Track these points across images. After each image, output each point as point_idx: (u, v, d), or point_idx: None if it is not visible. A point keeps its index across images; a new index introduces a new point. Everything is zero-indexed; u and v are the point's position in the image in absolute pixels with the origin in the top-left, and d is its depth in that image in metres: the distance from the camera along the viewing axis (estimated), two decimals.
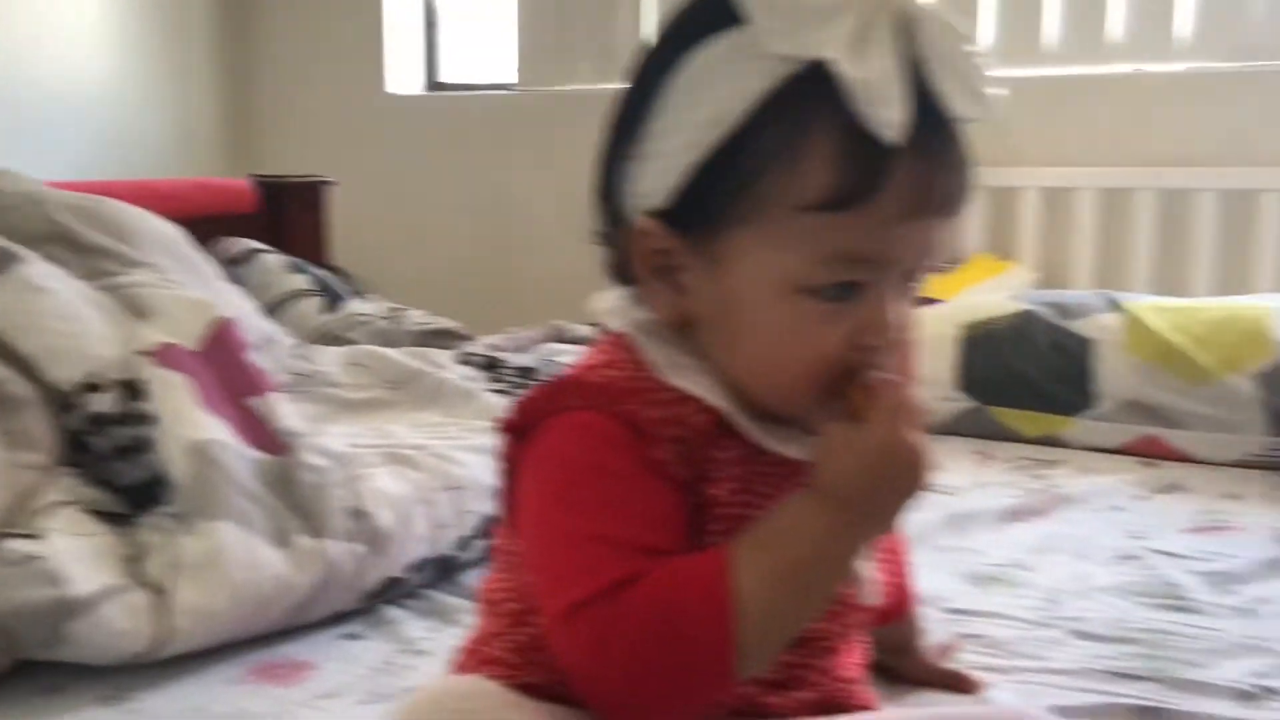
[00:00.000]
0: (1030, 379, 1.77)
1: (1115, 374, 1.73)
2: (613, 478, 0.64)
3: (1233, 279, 2.39)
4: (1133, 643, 1.08)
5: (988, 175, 2.54)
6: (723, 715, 0.68)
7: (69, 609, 0.97)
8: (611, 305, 0.73)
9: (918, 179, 0.63)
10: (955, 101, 0.64)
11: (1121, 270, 2.51)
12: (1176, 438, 1.69)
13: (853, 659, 0.75)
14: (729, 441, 0.68)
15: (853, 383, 0.66)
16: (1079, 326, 1.79)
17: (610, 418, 0.65)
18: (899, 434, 0.63)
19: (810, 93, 0.63)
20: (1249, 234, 2.38)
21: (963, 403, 1.82)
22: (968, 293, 2.29)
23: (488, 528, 1.20)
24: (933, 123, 0.64)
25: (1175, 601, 1.18)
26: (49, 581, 0.98)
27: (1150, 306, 1.80)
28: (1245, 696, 0.97)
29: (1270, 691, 0.98)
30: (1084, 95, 2.56)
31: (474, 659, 0.72)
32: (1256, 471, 1.63)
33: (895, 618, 0.99)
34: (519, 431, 0.69)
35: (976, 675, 1.00)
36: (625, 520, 0.63)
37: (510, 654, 0.69)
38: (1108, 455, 1.73)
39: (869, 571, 0.71)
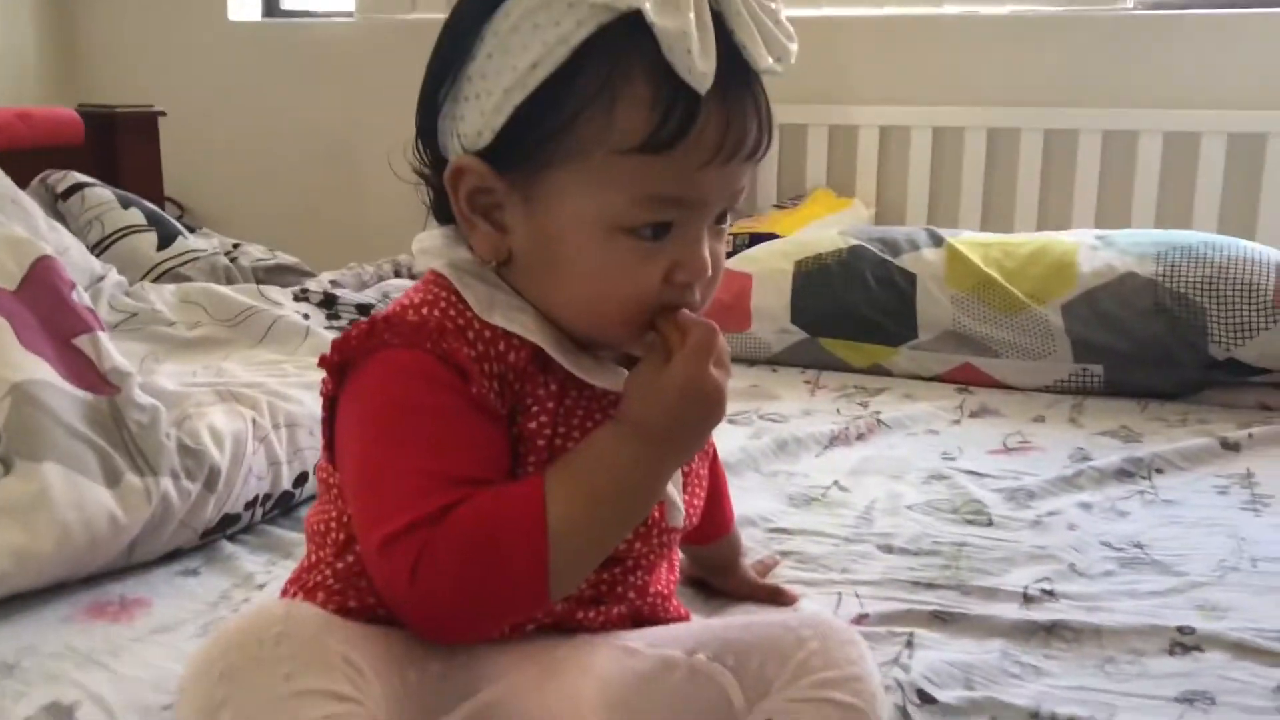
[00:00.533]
0: (858, 311, 1.86)
1: (936, 306, 1.83)
2: (431, 413, 0.67)
3: (1055, 213, 2.53)
4: (934, 554, 1.17)
5: (828, 113, 2.65)
6: (539, 630, 0.73)
7: None
8: (430, 245, 0.75)
9: (724, 125, 0.68)
10: (756, 55, 0.68)
11: (953, 206, 2.63)
12: (991, 365, 1.80)
13: (663, 576, 0.81)
14: (546, 376, 0.72)
15: (665, 319, 0.71)
16: (903, 261, 1.88)
17: (428, 355, 0.68)
18: (702, 372, 0.68)
19: (626, 41, 0.66)
20: (1070, 171, 2.52)
21: (796, 335, 1.89)
22: (809, 228, 2.37)
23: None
24: (737, 74, 0.68)
25: (976, 516, 1.28)
26: None
27: (969, 241, 1.90)
28: (1028, 599, 1.07)
29: (1050, 594, 1.08)
30: (919, 36, 2.65)
31: (299, 586, 0.75)
32: (1067, 396, 1.75)
33: (716, 538, 1.06)
34: (338, 369, 0.71)
35: (792, 590, 1.08)
36: (444, 454, 0.66)
37: (333, 580, 0.72)
38: (929, 383, 1.83)
39: (676, 496, 0.75)
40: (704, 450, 0.83)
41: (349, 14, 3.15)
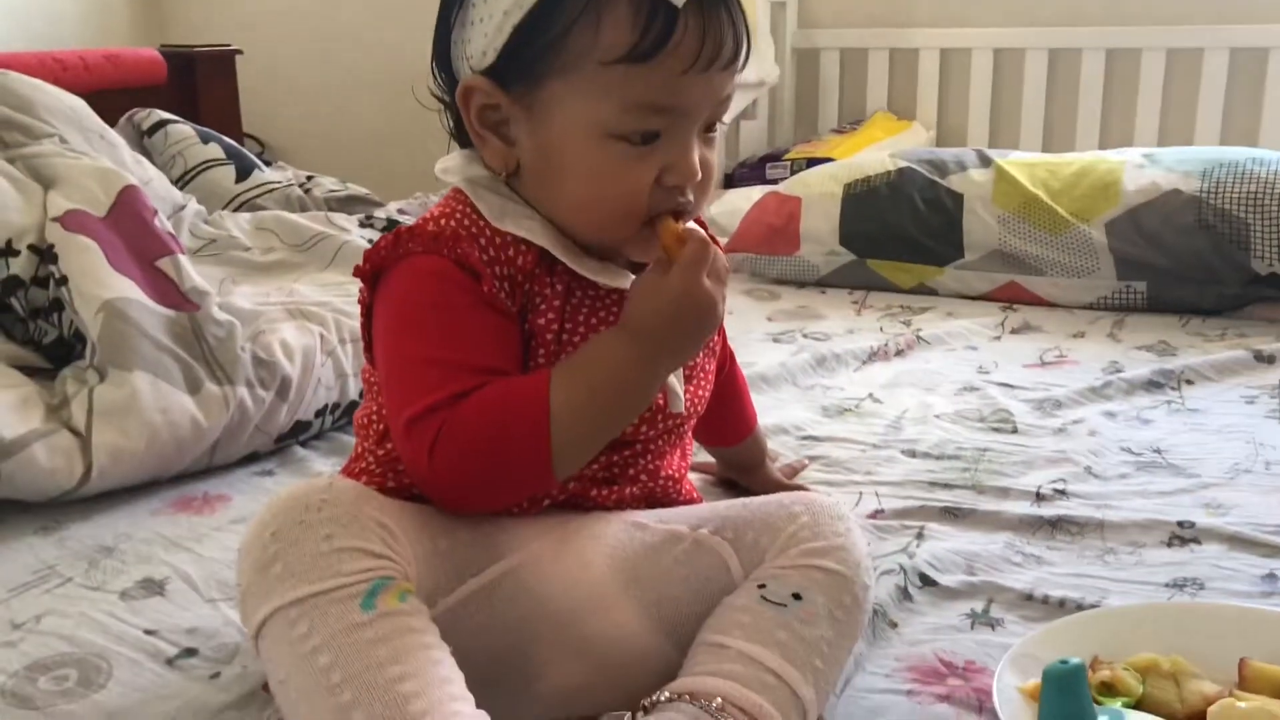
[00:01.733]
0: (905, 232, 1.90)
1: (982, 225, 1.86)
2: (449, 310, 0.75)
3: (1118, 135, 2.52)
4: (956, 459, 1.23)
5: (888, 36, 2.65)
6: (557, 506, 0.81)
7: (1, 451, 1.07)
8: (449, 165, 0.83)
9: (701, 36, 0.73)
10: None
11: (1014, 128, 2.63)
12: (1035, 284, 1.83)
13: (675, 461, 0.89)
14: (552, 277, 0.79)
15: (667, 230, 0.77)
16: (951, 181, 1.91)
17: (445, 259, 0.76)
18: (697, 283, 0.74)
19: None
20: (1133, 91, 2.50)
21: (844, 257, 1.94)
22: (865, 152, 2.40)
23: None
24: None
25: (1001, 425, 1.33)
26: None
27: (1016, 162, 1.92)
28: (1040, 498, 1.13)
29: (1060, 494, 1.14)
30: None
31: (347, 472, 0.84)
32: (1108, 313, 1.78)
33: (740, 439, 1.13)
34: (370, 277, 0.80)
35: (814, 489, 1.15)
36: (460, 345, 0.74)
37: (375, 465, 0.81)
38: (974, 302, 1.87)
39: (677, 385, 0.82)
40: (708, 347, 0.89)
41: None
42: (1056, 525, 1.06)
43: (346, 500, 0.69)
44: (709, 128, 0.79)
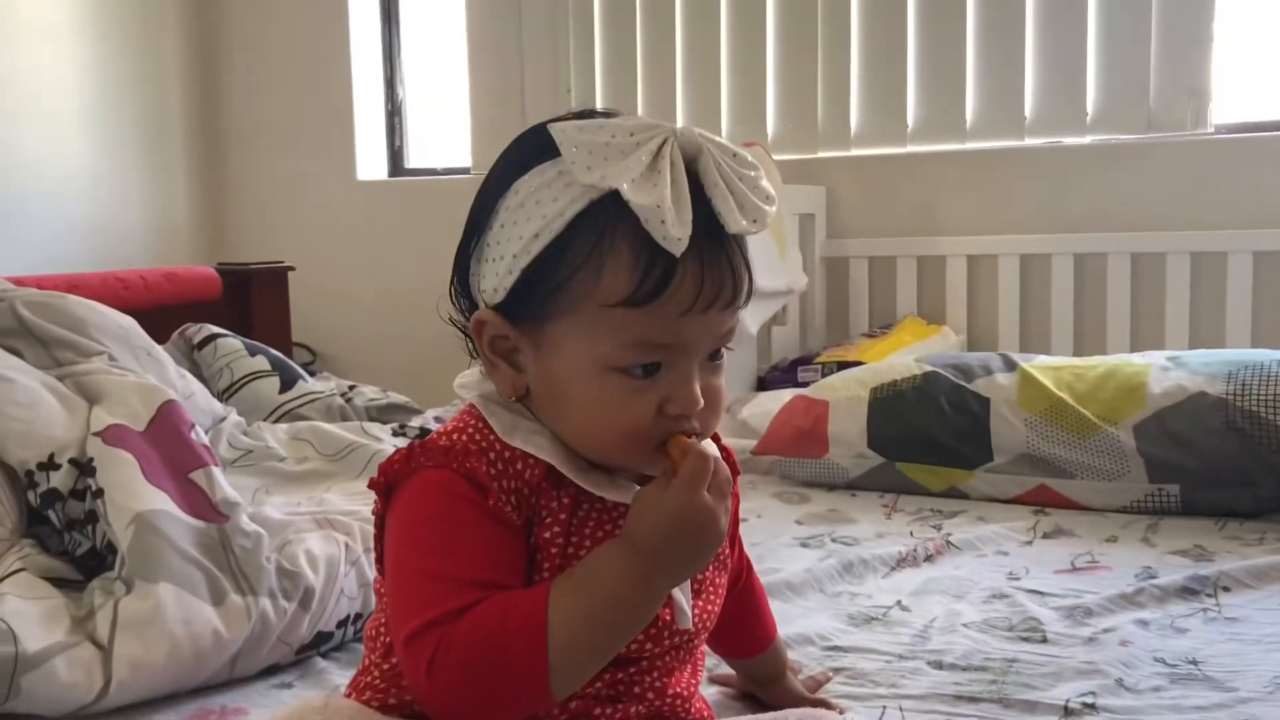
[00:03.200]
0: (933, 436, 1.91)
1: (1010, 429, 1.86)
2: (455, 524, 0.77)
3: (1148, 337, 2.54)
4: (983, 670, 1.20)
5: (916, 245, 2.73)
6: None
7: (22, 664, 1.09)
8: (466, 381, 0.87)
9: (699, 280, 0.77)
10: (730, 219, 0.78)
11: (1044, 331, 2.66)
12: (1066, 487, 1.82)
13: (684, 679, 0.88)
14: (559, 491, 0.81)
15: (675, 444, 0.79)
16: (977, 385, 1.93)
17: (455, 474, 0.78)
18: (697, 499, 0.76)
19: (612, 213, 0.76)
20: (1160, 294, 2.53)
21: (873, 460, 1.95)
22: (898, 355, 2.44)
23: None
24: (712, 235, 0.78)
25: (1031, 634, 1.30)
26: (4, 640, 1.09)
27: (1041, 366, 1.94)
28: (1069, 713, 1.09)
29: (1091, 707, 1.10)
30: (1003, 168, 2.73)
31: (353, 686, 0.85)
32: (1141, 517, 1.76)
33: (759, 652, 1.12)
34: (385, 489, 0.82)
35: (838, 704, 1.13)
36: (463, 560, 0.76)
37: (381, 680, 0.82)
38: (1006, 505, 1.85)
39: (684, 600, 0.83)
40: (717, 560, 0.90)
41: (466, 170, 3.40)
42: None
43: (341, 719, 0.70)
44: (714, 355, 0.82)
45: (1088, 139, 2.66)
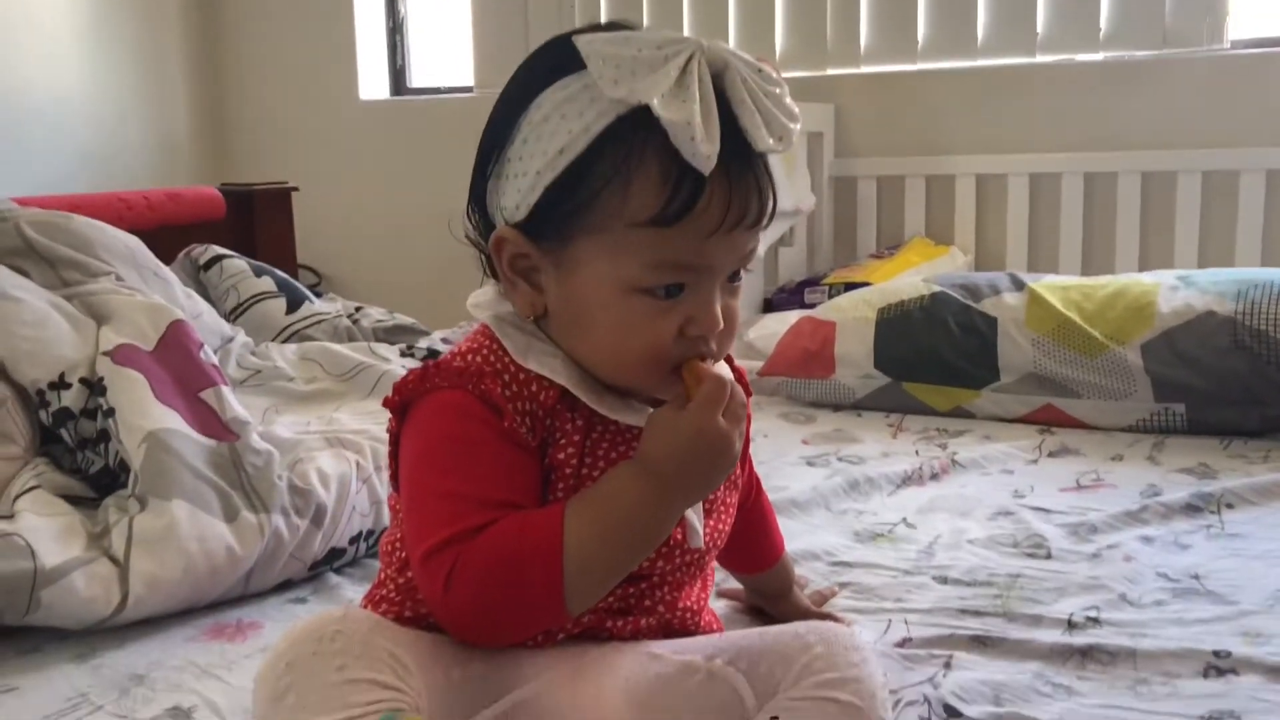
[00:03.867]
0: (940, 356, 1.91)
1: (1016, 348, 1.86)
2: (470, 444, 0.77)
3: (1157, 256, 2.53)
4: (988, 585, 1.22)
5: (924, 164, 2.70)
6: (572, 637, 0.82)
7: (41, 578, 1.10)
8: (480, 300, 0.86)
9: (726, 201, 0.76)
10: (757, 137, 0.76)
11: (1052, 251, 2.65)
12: (1072, 406, 1.82)
13: (694, 593, 0.89)
14: (573, 414, 0.81)
15: (689, 367, 0.79)
16: (984, 305, 1.92)
17: (470, 395, 0.78)
18: (712, 422, 0.76)
19: (639, 129, 0.75)
20: (1170, 214, 2.51)
21: (879, 380, 1.95)
22: (905, 275, 2.43)
23: None
24: (740, 153, 0.77)
25: (1036, 550, 1.32)
26: (23, 554, 1.11)
27: (1049, 285, 1.93)
28: (1072, 626, 1.11)
29: (1094, 621, 1.12)
30: (1013, 86, 2.69)
31: (369, 600, 0.86)
32: (1147, 436, 1.77)
33: (766, 567, 1.13)
34: (399, 408, 0.82)
35: (844, 616, 1.14)
36: (479, 479, 0.76)
37: (396, 593, 0.83)
38: (1011, 425, 1.86)
39: (696, 520, 0.83)
40: (729, 481, 0.90)
41: (469, 89, 3.36)
42: (1088, 654, 1.04)
43: (360, 631, 0.71)
44: (733, 276, 0.81)
45: (1101, 55, 2.61)
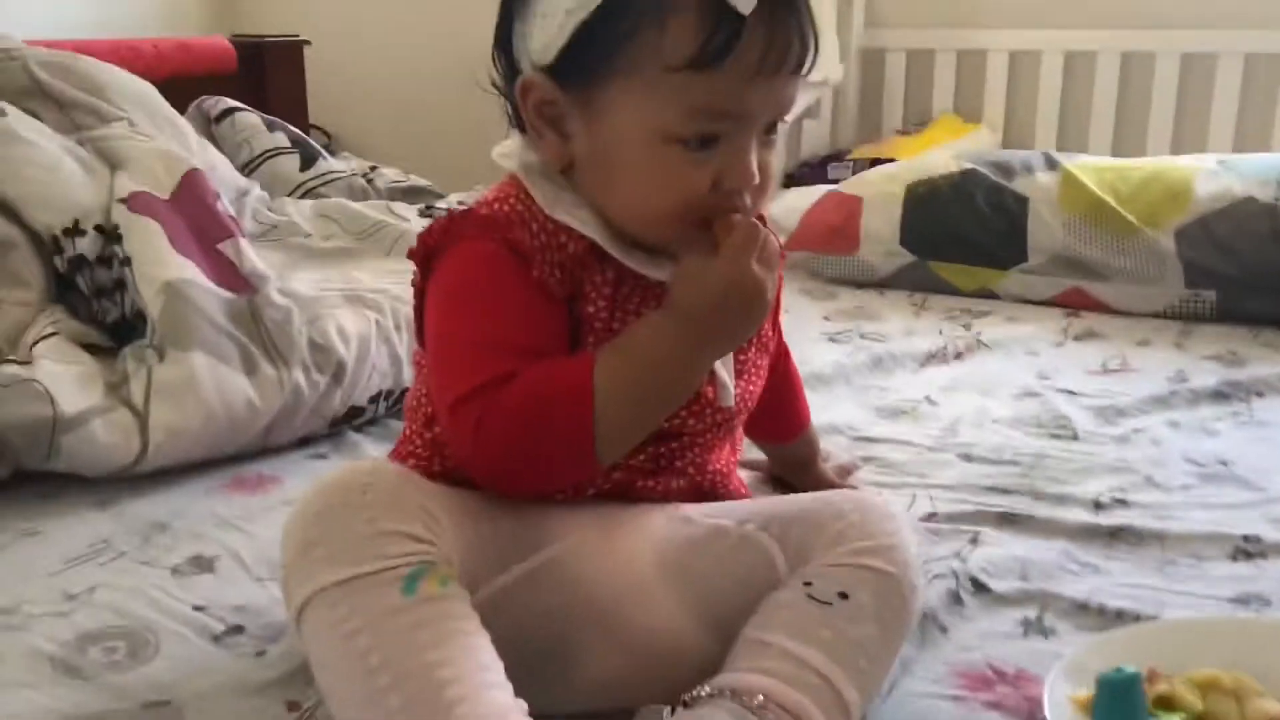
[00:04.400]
0: (968, 235, 1.87)
1: (1046, 229, 1.82)
2: (498, 294, 0.75)
3: (1191, 140, 2.46)
4: (1013, 464, 1.21)
5: (955, 38, 2.61)
6: (603, 496, 0.81)
7: (60, 425, 1.09)
8: (507, 150, 0.83)
9: (767, 43, 0.72)
10: None
11: (1083, 131, 2.58)
12: (1100, 290, 1.79)
13: (724, 455, 0.88)
14: (602, 266, 0.78)
15: (717, 219, 0.76)
16: (1016, 184, 1.88)
17: (497, 244, 0.76)
18: (745, 268, 0.73)
19: None
20: (1206, 96, 2.44)
21: (904, 258, 1.92)
22: (933, 152, 2.36)
23: None
24: None
25: (1061, 431, 1.31)
26: (42, 400, 1.10)
27: (1084, 165, 1.88)
28: (1099, 506, 1.10)
29: (1120, 502, 1.11)
30: None
31: (395, 455, 0.85)
32: (1174, 322, 1.74)
33: (792, 437, 1.12)
34: (424, 259, 0.80)
35: (866, 489, 1.13)
36: (508, 328, 0.74)
37: (422, 448, 0.81)
38: (1037, 307, 1.83)
39: (727, 377, 0.81)
40: (760, 341, 0.88)
41: None
42: (1115, 535, 1.04)
43: (390, 483, 0.69)
44: (770, 129, 0.78)
45: None
